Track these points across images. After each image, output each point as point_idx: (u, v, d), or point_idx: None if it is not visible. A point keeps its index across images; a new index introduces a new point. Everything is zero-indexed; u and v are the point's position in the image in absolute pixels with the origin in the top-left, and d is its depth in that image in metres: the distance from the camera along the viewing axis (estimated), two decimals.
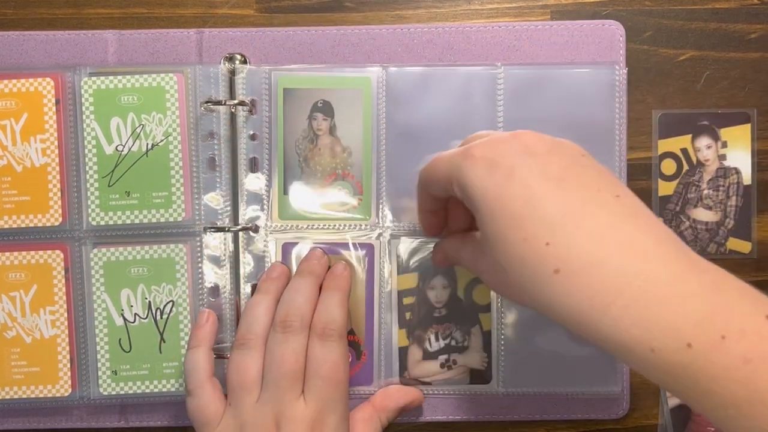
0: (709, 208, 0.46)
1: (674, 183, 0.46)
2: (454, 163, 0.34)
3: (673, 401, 0.47)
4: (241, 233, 0.46)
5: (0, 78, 0.45)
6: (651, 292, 0.29)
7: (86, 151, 0.46)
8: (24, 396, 0.46)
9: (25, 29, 0.47)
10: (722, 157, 0.46)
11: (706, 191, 0.46)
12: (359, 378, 0.46)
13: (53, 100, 0.45)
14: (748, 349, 0.27)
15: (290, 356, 0.41)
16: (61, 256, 0.46)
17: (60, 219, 0.46)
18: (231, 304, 0.46)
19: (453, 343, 0.46)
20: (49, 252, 0.46)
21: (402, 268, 0.46)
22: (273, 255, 0.46)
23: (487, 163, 0.33)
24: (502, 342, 0.46)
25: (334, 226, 0.46)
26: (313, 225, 0.46)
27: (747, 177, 0.46)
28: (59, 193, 0.46)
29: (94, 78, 0.45)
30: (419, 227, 0.44)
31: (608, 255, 0.30)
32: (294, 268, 0.46)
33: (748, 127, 0.46)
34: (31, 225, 0.46)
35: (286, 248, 0.46)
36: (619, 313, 0.29)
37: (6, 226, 0.45)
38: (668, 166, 0.46)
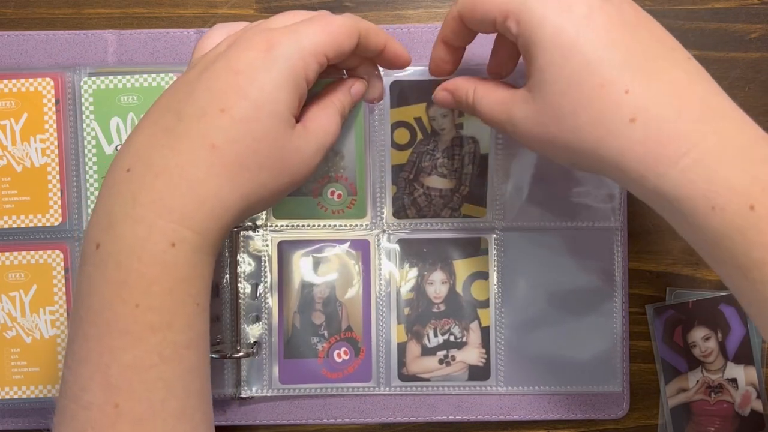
0: (444, 176, 0.45)
1: (407, 152, 0.46)
2: None
3: (673, 401, 0.47)
4: (240, 232, 0.46)
5: (0, 78, 0.45)
6: (725, 150, 0.29)
7: (86, 151, 0.46)
8: (24, 396, 0.46)
9: (25, 29, 0.47)
10: (459, 126, 0.45)
11: (441, 159, 0.45)
12: (358, 374, 0.46)
13: (53, 100, 0.46)
14: None
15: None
16: (61, 256, 0.46)
17: (60, 219, 0.46)
18: (230, 303, 0.46)
19: (451, 338, 0.46)
20: (49, 252, 0.46)
21: (400, 264, 0.46)
22: (271, 254, 0.46)
23: (560, 1, 0.31)
24: (501, 338, 0.46)
25: (333, 225, 0.46)
26: (310, 224, 0.46)
27: (485, 146, 0.45)
28: (59, 193, 0.46)
29: (93, 78, 0.45)
30: (430, 65, 0.40)
31: (686, 107, 0.30)
32: (293, 269, 0.46)
33: None
34: (31, 225, 0.46)
35: (284, 247, 0.46)
36: (689, 165, 0.29)
37: (6, 226, 0.45)
38: (401, 135, 0.46)
